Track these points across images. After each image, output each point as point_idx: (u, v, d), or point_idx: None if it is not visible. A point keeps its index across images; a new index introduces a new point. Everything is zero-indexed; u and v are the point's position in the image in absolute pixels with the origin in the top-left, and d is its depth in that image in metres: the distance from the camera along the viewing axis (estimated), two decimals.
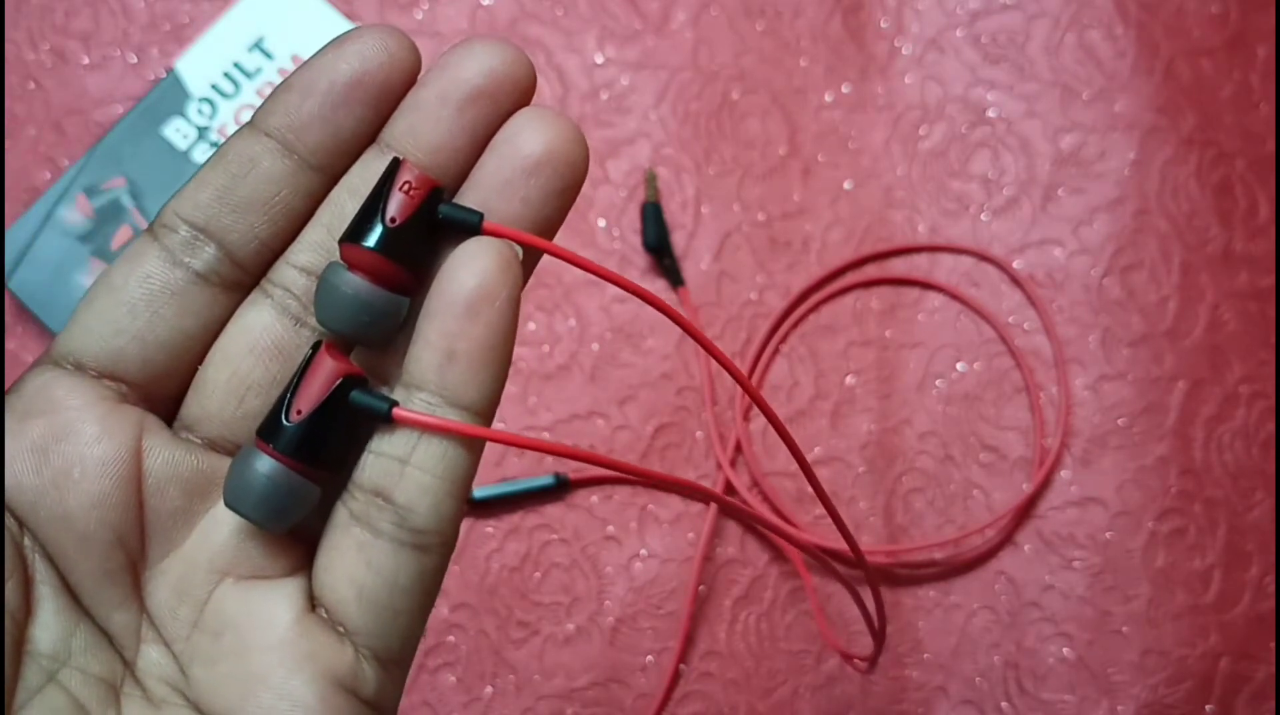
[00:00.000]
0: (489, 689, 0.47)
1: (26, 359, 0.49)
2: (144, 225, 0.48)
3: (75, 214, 0.48)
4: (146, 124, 0.49)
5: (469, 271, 0.20)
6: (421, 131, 0.21)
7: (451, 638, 0.47)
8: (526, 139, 0.21)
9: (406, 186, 0.20)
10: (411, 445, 0.20)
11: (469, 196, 0.21)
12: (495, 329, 0.20)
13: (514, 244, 0.21)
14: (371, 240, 0.20)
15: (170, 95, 0.49)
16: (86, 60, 0.51)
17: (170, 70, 0.50)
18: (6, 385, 0.48)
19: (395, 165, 0.21)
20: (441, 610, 0.47)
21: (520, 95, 0.21)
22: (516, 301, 0.20)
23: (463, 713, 0.47)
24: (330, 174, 0.22)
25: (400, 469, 0.20)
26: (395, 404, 0.20)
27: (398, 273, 0.20)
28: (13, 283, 0.48)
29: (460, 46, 0.21)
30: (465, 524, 0.48)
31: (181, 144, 0.49)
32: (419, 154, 0.21)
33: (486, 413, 0.21)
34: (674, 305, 0.50)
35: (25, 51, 0.51)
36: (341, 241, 0.21)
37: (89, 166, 0.49)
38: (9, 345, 0.49)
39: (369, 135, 0.21)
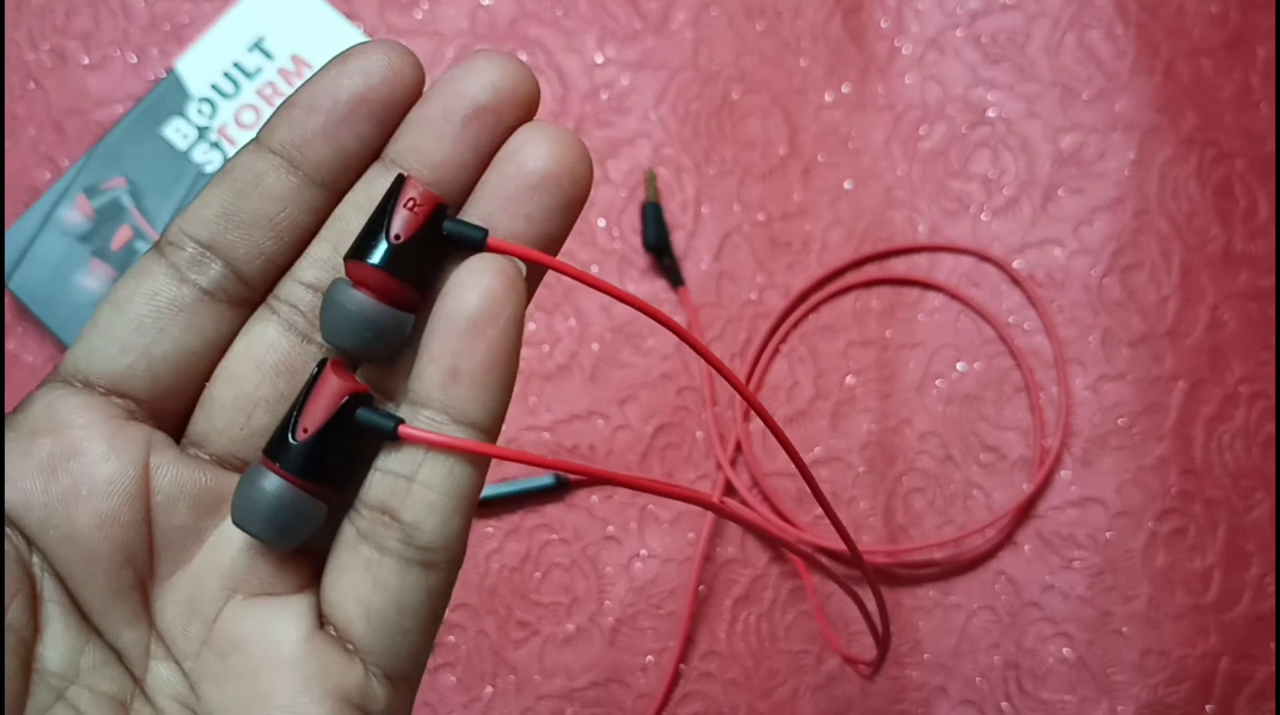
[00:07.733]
0: (489, 689, 0.47)
1: (27, 359, 0.49)
2: (144, 225, 0.48)
3: (75, 214, 0.48)
4: (146, 124, 0.49)
5: (473, 289, 0.20)
6: (425, 147, 0.21)
7: (451, 638, 0.47)
8: (530, 154, 0.21)
9: (411, 203, 0.20)
10: (418, 463, 0.20)
11: (472, 212, 0.21)
12: (499, 346, 0.20)
13: (518, 261, 0.20)
14: (377, 257, 0.20)
15: (170, 95, 0.49)
16: (86, 60, 0.51)
17: (170, 70, 0.50)
18: (6, 384, 0.48)
19: (400, 182, 0.20)
20: None
21: (524, 110, 0.21)
22: (521, 319, 0.20)
23: (463, 713, 0.47)
24: (335, 190, 0.22)
25: (407, 486, 0.20)
26: (401, 422, 0.20)
27: (403, 289, 0.20)
28: (13, 283, 0.48)
29: (464, 62, 0.21)
30: None
31: (181, 144, 0.49)
32: (423, 170, 0.21)
33: (492, 430, 0.21)
34: (674, 305, 0.50)
35: (25, 51, 0.51)
36: (347, 258, 0.21)
37: (89, 166, 0.49)
38: (9, 345, 0.49)
39: (373, 151, 0.21)
